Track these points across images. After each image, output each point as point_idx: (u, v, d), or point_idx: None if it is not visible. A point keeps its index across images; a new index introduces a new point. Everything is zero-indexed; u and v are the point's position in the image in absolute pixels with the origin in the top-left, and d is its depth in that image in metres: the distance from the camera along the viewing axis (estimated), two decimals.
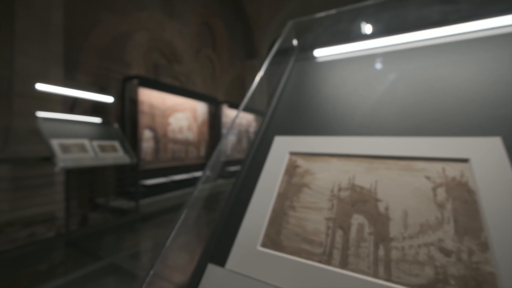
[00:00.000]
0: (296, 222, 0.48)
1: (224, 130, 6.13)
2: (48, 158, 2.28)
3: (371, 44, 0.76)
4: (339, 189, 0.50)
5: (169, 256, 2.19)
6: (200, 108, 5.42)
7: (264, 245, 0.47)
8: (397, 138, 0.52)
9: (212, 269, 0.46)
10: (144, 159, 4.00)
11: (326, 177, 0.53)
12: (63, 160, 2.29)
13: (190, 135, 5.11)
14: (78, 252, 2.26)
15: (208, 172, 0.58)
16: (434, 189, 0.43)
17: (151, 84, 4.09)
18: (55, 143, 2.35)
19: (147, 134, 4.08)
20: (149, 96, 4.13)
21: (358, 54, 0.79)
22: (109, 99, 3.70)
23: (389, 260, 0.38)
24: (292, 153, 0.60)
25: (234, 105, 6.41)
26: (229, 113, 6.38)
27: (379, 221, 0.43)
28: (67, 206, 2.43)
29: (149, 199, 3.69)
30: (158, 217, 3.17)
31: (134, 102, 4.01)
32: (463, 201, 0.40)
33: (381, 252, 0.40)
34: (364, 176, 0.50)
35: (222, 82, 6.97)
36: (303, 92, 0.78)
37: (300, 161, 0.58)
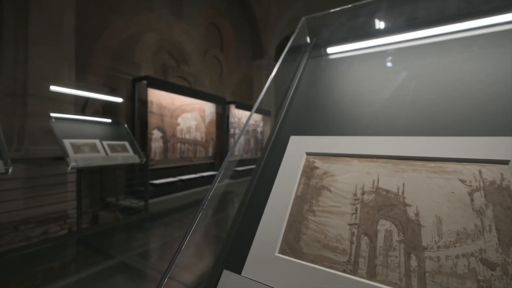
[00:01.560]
0: (317, 228, 0.45)
1: (231, 130, 6.13)
2: (61, 158, 2.33)
3: (391, 39, 0.73)
4: (363, 192, 0.46)
5: (178, 255, 2.18)
6: (208, 108, 5.44)
7: (282, 251, 0.44)
8: (424, 138, 0.49)
9: (227, 276, 0.44)
10: (153, 159, 4.05)
11: (347, 179, 0.49)
12: (75, 159, 2.33)
13: (198, 135, 5.13)
14: (89, 250, 2.29)
15: (223, 170, 0.56)
16: (470, 194, 0.39)
17: (160, 84, 4.13)
18: (67, 143, 2.39)
19: (156, 134, 4.12)
20: (158, 97, 4.17)
21: (376, 50, 0.75)
22: (119, 99, 3.75)
23: (423, 272, 0.35)
24: (309, 154, 0.57)
25: (242, 105, 6.41)
26: (236, 113, 6.37)
27: (409, 228, 0.39)
28: (79, 204, 2.47)
29: (158, 199, 3.73)
30: (166, 216, 3.19)
31: (144, 102, 4.06)
32: (505, 208, 0.37)
33: (413, 262, 0.36)
34: (389, 179, 0.46)
35: (229, 82, 6.98)
36: (318, 90, 0.75)
37: (318, 162, 0.55)
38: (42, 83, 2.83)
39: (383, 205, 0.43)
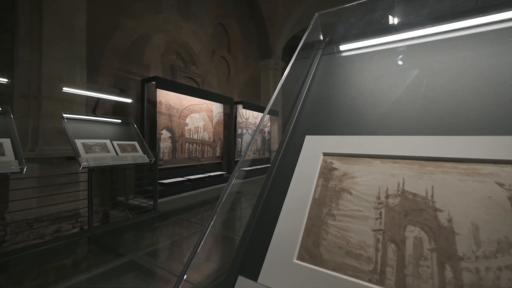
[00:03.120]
0: (338, 233, 0.42)
1: (239, 130, 6.12)
2: (73, 158, 2.37)
3: (411, 34, 0.69)
4: (387, 196, 0.43)
5: (185, 255, 2.19)
6: (215, 108, 5.45)
7: (301, 258, 0.42)
8: (454, 137, 0.45)
9: (243, 283, 0.42)
10: (162, 158, 4.09)
11: (369, 181, 0.46)
12: (87, 159, 2.37)
13: (206, 135, 5.15)
14: (100, 248, 2.32)
15: (239, 169, 0.54)
16: (510, 198, 0.36)
17: (168, 85, 4.16)
18: (79, 143, 2.44)
19: (164, 134, 4.16)
20: (166, 97, 4.21)
21: (395, 45, 0.71)
22: (128, 100, 3.81)
23: (461, 285, 0.32)
24: (326, 154, 0.55)
25: (249, 105, 6.40)
26: (243, 113, 6.37)
27: (442, 236, 0.36)
28: (90, 203, 2.51)
29: (166, 198, 3.76)
30: (174, 216, 3.21)
31: (153, 103, 4.11)
32: None
33: (448, 273, 0.33)
34: (416, 181, 0.43)
35: (236, 82, 6.98)
36: (334, 87, 0.72)
37: (336, 163, 0.52)
38: (55, 85, 2.90)
39: (411, 210, 0.40)
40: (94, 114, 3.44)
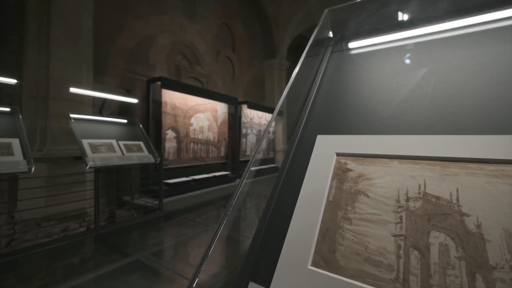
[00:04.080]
0: (355, 238, 0.40)
1: (243, 130, 6.11)
2: (80, 158, 2.39)
3: (428, 29, 0.66)
4: (407, 199, 0.41)
5: (190, 255, 2.19)
6: (220, 108, 5.45)
7: (315, 264, 0.40)
8: (480, 136, 0.42)
9: None
10: (167, 158, 4.10)
11: (387, 183, 0.44)
12: (93, 159, 2.38)
13: (211, 135, 5.15)
14: (106, 248, 2.33)
15: (255, 168, 0.52)
16: None
17: (173, 85, 4.17)
18: (85, 143, 2.46)
19: (170, 134, 4.17)
20: (171, 97, 4.22)
21: (411, 41, 0.68)
22: (134, 100, 3.83)
23: None
24: (340, 154, 0.52)
25: (254, 105, 6.38)
26: (248, 113, 6.35)
27: (470, 242, 0.33)
28: (96, 203, 2.53)
29: (171, 198, 3.77)
30: (179, 216, 3.21)
31: (158, 103, 4.13)
32: None
33: (479, 284, 0.30)
34: (439, 183, 0.40)
35: (241, 82, 6.98)
36: (345, 85, 0.69)
37: (351, 164, 0.50)
38: (62, 85, 2.93)
39: (434, 214, 0.37)
40: (101, 114, 3.47)
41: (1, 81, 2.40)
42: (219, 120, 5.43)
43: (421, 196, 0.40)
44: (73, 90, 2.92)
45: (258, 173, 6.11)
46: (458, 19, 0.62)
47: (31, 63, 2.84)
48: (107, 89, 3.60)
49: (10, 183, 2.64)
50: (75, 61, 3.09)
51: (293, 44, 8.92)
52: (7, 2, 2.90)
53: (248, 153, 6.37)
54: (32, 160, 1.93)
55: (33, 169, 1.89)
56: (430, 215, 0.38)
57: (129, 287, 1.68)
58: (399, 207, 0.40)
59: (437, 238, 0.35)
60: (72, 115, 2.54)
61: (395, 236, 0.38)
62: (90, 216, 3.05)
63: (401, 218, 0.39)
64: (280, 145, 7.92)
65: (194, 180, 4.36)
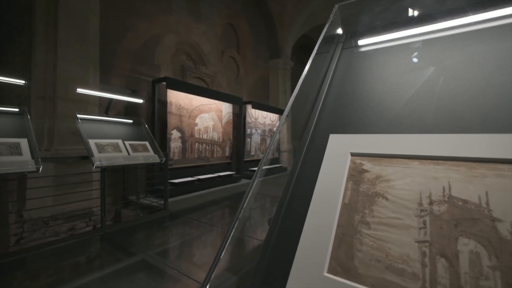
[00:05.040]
0: (374, 244, 0.37)
1: (248, 130, 6.10)
2: (86, 157, 2.41)
3: (445, 24, 0.62)
4: (430, 202, 0.38)
5: (195, 254, 2.18)
6: (225, 108, 5.45)
7: (332, 271, 0.37)
8: (508, 135, 0.39)
9: None
10: (172, 158, 4.11)
11: (408, 185, 0.41)
12: (99, 159, 2.40)
13: (216, 135, 5.15)
14: (112, 247, 2.34)
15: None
16: None
17: (178, 86, 4.18)
18: (92, 143, 2.48)
19: (175, 134, 4.19)
20: (176, 98, 4.24)
21: (429, 37, 0.65)
22: (139, 101, 3.86)
23: None
24: (355, 154, 0.50)
25: (258, 105, 6.36)
26: (253, 113, 6.34)
27: (505, 251, 0.31)
28: (103, 202, 2.55)
29: (176, 198, 3.78)
30: (184, 215, 3.22)
31: (163, 103, 4.14)
32: None
33: None
34: (465, 186, 0.37)
35: (246, 82, 6.97)
36: (358, 82, 0.67)
37: (367, 164, 0.47)
38: (70, 86, 2.96)
39: (462, 219, 0.35)
40: (107, 115, 3.50)
41: (11, 82, 2.43)
42: (224, 120, 5.42)
43: (446, 199, 0.37)
44: (80, 90, 2.95)
45: (262, 173, 6.07)
46: (480, 12, 0.58)
47: (39, 64, 2.88)
48: (113, 90, 3.63)
49: (19, 182, 2.67)
50: (82, 62, 3.12)
51: (298, 44, 8.87)
52: (16, 4, 2.95)
53: (252, 153, 6.35)
54: (40, 159, 1.95)
55: (41, 168, 1.91)
56: (457, 220, 0.35)
57: (135, 287, 1.68)
58: (422, 211, 0.38)
59: (466, 245, 0.33)
60: (79, 115, 2.57)
61: (419, 242, 0.35)
62: (96, 216, 3.07)
63: (424, 222, 0.36)
64: (285, 145, 7.88)
65: (199, 180, 4.37)
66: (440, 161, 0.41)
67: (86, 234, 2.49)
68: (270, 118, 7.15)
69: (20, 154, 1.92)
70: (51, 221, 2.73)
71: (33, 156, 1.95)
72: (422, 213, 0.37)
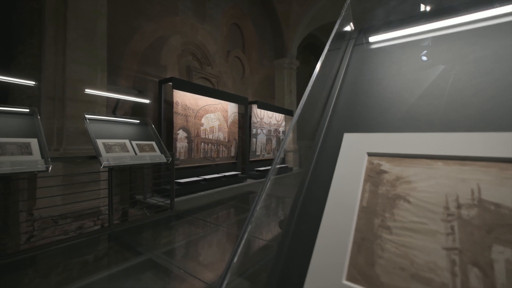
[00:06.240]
0: (397, 250, 0.35)
1: (253, 130, 6.08)
2: (94, 157, 2.44)
3: (473, 16, 0.59)
4: (458, 206, 0.35)
5: (201, 254, 2.17)
6: (230, 108, 5.45)
7: (351, 278, 0.35)
8: None
9: None
10: (178, 158, 4.13)
11: (432, 187, 0.38)
12: (107, 159, 2.42)
13: (221, 135, 5.16)
14: (120, 246, 2.36)
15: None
16: None
17: (184, 86, 4.20)
18: (100, 143, 2.50)
19: (181, 134, 4.21)
20: (182, 98, 4.26)
21: (449, 31, 0.62)
22: (146, 101, 3.89)
23: None
24: (372, 154, 0.47)
25: (264, 105, 6.34)
26: (258, 113, 6.32)
27: None
28: (110, 202, 2.57)
29: (182, 197, 3.79)
30: (190, 215, 3.22)
31: (169, 103, 4.17)
32: None
33: None
34: (498, 188, 0.34)
35: (251, 82, 6.95)
36: (373, 80, 0.64)
37: (385, 165, 0.45)
38: (78, 87, 3.01)
39: (495, 225, 0.32)
40: (114, 115, 3.54)
41: (22, 83, 2.48)
42: (229, 120, 5.42)
43: (475, 203, 0.34)
44: (88, 91, 2.99)
45: (268, 173, 6.05)
46: (507, 3, 0.55)
47: (48, 65, 2.93)
48: (121, 90, 3.67)
49: (29, 182, 2.73)
50: (90, 63, 3.16)
51: (303, 43, 8.81)
52: (27, 7, 3.01)
53: (258, 153, 6.33)
54: (49, 159, 1.97)
55: (50, 168, 1.93)
56: (490, 225, 0.32)
57: (142, 286, 1.68)
58: (449, 215, 0.35)
59: (502, 254, 0.30)
60: (87, 116, 2.60)
61: (447, 249, 0.32)
62: (104, 215, 3.11)
63: (452, 228, 0.34)
64: (290, 145, 7.83)
65: (205, 179, 4.37)
66: (467, 162, 0.39)
67: (94, 233, 2.52)
68: (275, 118, 7.12)
69: (31, 153, 1.95)
70: (60, 219, 2.77)
71: (42, 156, 1.98)
72: (449, 218, 0.35)
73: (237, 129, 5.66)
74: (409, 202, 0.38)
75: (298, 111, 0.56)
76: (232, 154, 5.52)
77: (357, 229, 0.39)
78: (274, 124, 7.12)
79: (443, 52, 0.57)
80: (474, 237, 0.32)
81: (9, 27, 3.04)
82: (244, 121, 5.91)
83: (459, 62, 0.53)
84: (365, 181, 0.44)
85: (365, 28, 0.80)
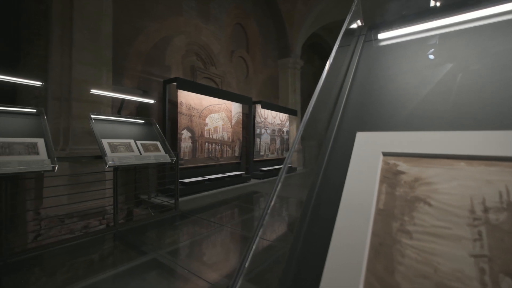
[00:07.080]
0: (419, 256, 0.33)
1: (257, 130, 6.06)
2: (100, 157, 2.45)
3: (486, 11, 0.56)
4: (485, 209, 0.33)
5: (205, 254, 2.17)
6: (234, 108, 5.44)
7: (369, 286, 0.33)
8: None
9: None
10: (182, 158, 4.14)
11: (455, 189, 0.36)
12: (112, 158, 2.43)
13: (225, 135, 5.15)
14: (125, 245, 2.37)
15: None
16: None
17: (189, 86, 4.21)
18: (105, 142, 2.51)
19: (185, 134, 4.21)
20: (187, 98, 4.26)
21: (463, 27, 0.59)
22: (151, 101, 3.90)
23: None
24: (387, 154, 0.45)
25: (268, 105, 6.32)
26: (262, 113, 6.30)
27: None
28: (115, 201, 2.58)
29: (186, 197, 3.79)
30: (194, 215, 3.22)
31: (174, 103, 4.18)
32: None
33: None
34: None
35: (255, 82, 6.93)
36: (385, 76, 0.61)
37: (403, 165, 0.42)
38: (84, 87, 3.03)
39: None
40: (119, 115, 3.56)
41: (29, 84, 2.51)
42: (233, 120, 5.41)
43: (504, 206, 0.32)
44: (93, 91, 3.01)
45: (273, 173, 6.04)
46: None
47: (55, 66, 2.96)
48: (125, 91, 3.69)
49: (36, 181, 2.76)
50: (96, 63, 3.18)
51: (307, 42, 8.75)
52: (34, 8, 3.04)
53: (262, 153, 6.31)
54: (55, 159, 1.99)
55: (56, 167, 1.95)
56: None
57: (146, 285, 1.68)
58: (475, 219, 0.32)
59: None
60: (92, 116, 2.61)
61: (475, 256, 0.30)
62: (109, 214, 3.13)
63: (480, 233, 0.31)
64: (295, 145, 7.78)
65: (209, 179, 4.37)
66: (493, 162, 0.36)
67: (100, 232, 2.53)
68: (279, 117, 7.08)
69: (37, 153, 1.97)
70: (66, 219, 2.80)
71: (49, 156, 1.99)
72: (476, 222, 0.32)
73: (241, 129, 5.65)
74: (430, 205, 0.36)
75: (309, 109, 0.54)
76: (236, 154, 5.51)
77: (374, 233, 0.37)
78: (278, 124, 7.09)
79: (462, 47, 0.54)
80: (504, 243, 0.30)
81: (16, 29, 3.08)
82: (248, 121, 5.90)
83: (480, 56, 0.50)
84: (381, 182, 0.42)
85: (376, 24, 0.77)
